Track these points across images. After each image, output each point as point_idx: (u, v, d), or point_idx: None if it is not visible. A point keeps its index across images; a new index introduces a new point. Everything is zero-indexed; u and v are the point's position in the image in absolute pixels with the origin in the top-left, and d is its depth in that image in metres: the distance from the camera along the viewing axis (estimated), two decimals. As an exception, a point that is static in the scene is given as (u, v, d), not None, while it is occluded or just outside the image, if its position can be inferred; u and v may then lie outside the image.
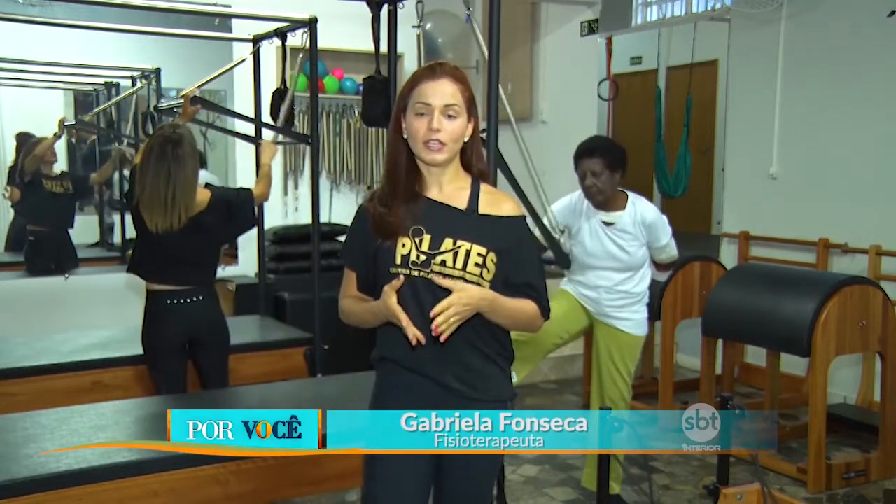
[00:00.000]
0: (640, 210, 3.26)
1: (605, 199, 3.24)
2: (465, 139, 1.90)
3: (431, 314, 1.76)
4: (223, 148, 5.93)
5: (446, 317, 1.76)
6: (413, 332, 1.78)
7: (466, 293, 1.78)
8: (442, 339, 1.77)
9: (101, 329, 4.16)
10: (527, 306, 1.91)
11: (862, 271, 4.33)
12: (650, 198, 6.04)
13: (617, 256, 3.26)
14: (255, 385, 3.47)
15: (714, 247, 5.44)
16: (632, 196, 3.30)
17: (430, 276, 1.83)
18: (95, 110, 5.74)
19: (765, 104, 5.00)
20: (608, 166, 3.19)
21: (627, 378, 3.39)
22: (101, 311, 4.95)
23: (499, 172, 2.87)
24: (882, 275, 4.33)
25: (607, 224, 3.26)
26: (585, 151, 3.25)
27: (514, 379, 2.10)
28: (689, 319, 4.57)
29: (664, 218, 3.32)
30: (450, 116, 1.84)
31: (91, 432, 2.56)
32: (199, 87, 3.86)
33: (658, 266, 3.43)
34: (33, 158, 5.17)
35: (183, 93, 3.74)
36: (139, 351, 3.62)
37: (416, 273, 1.84)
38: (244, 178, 5.34)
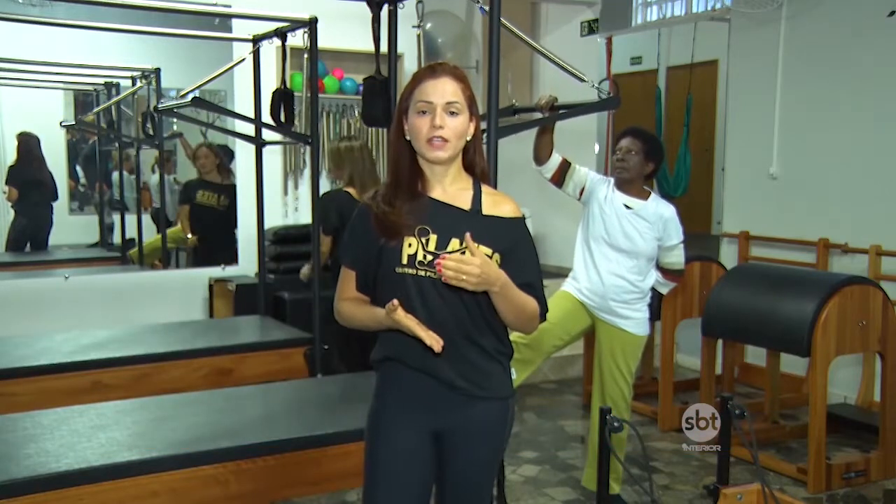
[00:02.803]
0: (661, 206, 3.37)
1: (629, 179, 3.35)
2: (468, 138, 1.90)
3: (447, 256, 1.73)
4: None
5: (455, 270, 1.72)
6: (431, 339, 1.77)
7: (486, 265, 1.75)
8: (443, 277, 1.73)
9: (101, 329, 4.16)
10: (530, 301, 1.91)
11: (862, 271, 4.32)
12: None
13: (631, 237, 3.31)
14: (255, 385, 3.47)
15: (714, 247, 5.44)
16: (654, 195, 3.42)
17: (436, 276, 1.81)
18: (95, 110, 5.74)
19: (765, 104, 5.00)
20: (644, 151, 3.34)
21: (629, 377, 3.39)
22: (101, 311, 4.94)
23: (499, 174, 2.86)
24: (882, 275, 4.33)
25: (628, 208, 3.34)
26: (630, 131, 3.43)
27: (514, 377, 2.10)
28: (689, 319, 4.57)
29: (679, 223, 3.39)
30: (452, 114, 1.85)
31: (91, 432, 2.57)
32: (197, 87, 3.87)
33: (664, 273, 3.43)
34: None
35: None
36: (139, 351, 3.64)
37: (422, 273, 1.84)
38: (244, 177, 5.34)
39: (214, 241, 5.64)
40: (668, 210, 3.36)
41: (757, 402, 4.61)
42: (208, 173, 5.59)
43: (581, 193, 3.43)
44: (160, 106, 4.33)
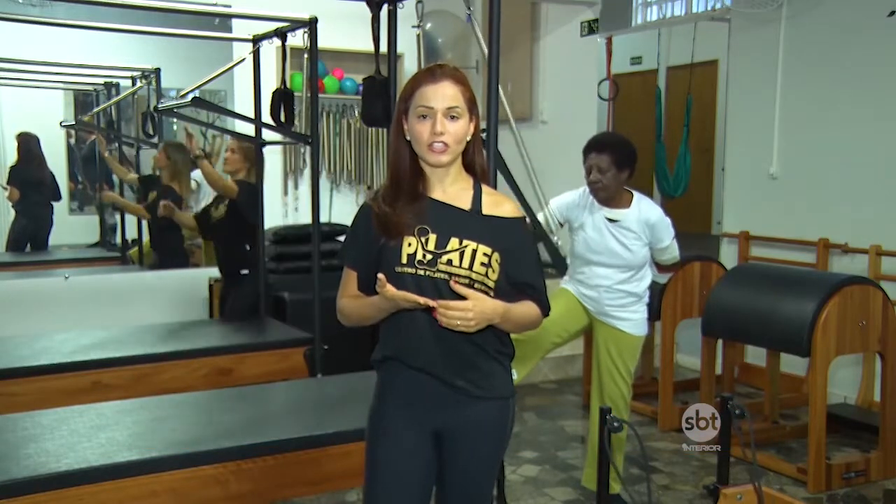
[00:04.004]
0: (645, 209, 3.26)
1: (608, 196, 3.24)
2: (468, 139, 1.91)
3: (440, 303, 1.76)
4: (223, 146, 5.93)
5: (449, 317, 1.75)
6: (425, 300, 1.77)
7: (481, 305, 1.78)
8: (440, 322, 1.77)
9: (101, 329, 4.16)
10: (531, 309, 1.93)
11: (862, 271, 4.32)
12: (650, 198, 6.04)
13: (619, 253, 3.26)
14: (256, 385, 3.47)
15: (714, 247, 5.44)
16: (637, 195, 3.30)
17: (436, 275, 1.83)
18: (95, 110, 5.74)
19: (765, 104, 5.00)
20: (615, 163, 3.18)
21: (627, 377, 3.38)
22: (101, 311, 4.95)
23: (499, 173, 2.86)
24: (882, 275, 4.33)
25: (611, 221, 3.26)
26: (595, 146, 3.24)
27: (514, 377, 2.10)
28: (689, 319, 4.57)
29: (668, 219, 3.33)
30: (452, 118, 1.85)
31: (91, 432, 2.57)
32: (197, 87, 3.88)
33: (660, 267, 3.43)
34: None
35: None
36: (139, 351, 3.64)
37: (422, 272, 1.84)
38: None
39: (155, 245, 5.51)
40: (653, 213, 3.26)
41: (757, 402, 4.61)
42: (159, 170, 5.37)
43: (562, 224, 3.40)
44: (160, 106, 4.33)
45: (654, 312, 4.19)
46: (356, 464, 2.34)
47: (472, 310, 1.76)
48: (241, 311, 4.57)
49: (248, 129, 4.54)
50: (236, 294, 4.65)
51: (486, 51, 4.07)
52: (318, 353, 3.86)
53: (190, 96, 3.89)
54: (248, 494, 2.48)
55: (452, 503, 2.00)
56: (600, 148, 3.21)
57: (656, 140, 5.75)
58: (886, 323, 3.67)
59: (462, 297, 1.78)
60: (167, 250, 5.48)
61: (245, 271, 4.66)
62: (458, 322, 1.76)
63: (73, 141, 5.60)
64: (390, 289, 1.77)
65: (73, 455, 2.36)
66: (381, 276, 1.78)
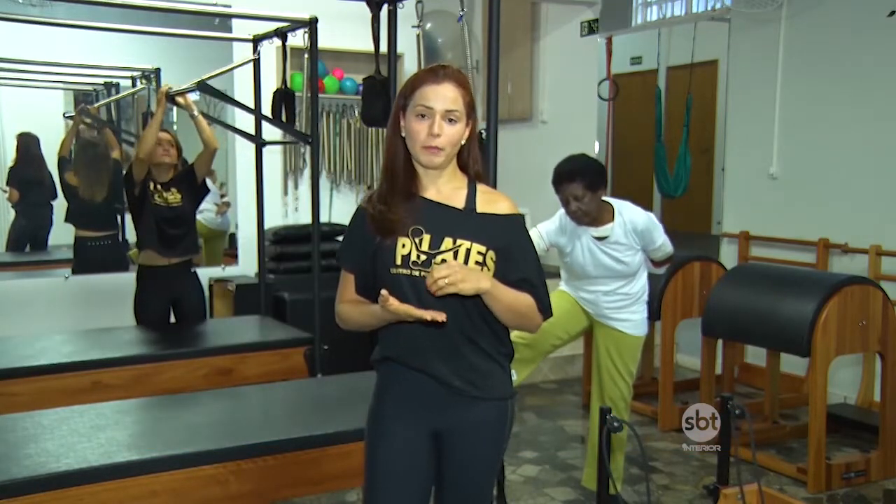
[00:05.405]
0: (629, 218, 3.23)
1: (591, 220, 3.22)
2: (463, 142, 1.90)
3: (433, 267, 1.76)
4: (223, 147, 5.92)
5: (438, 273, 1.74)
6: (430, 314, 1.76)
7: (460, 265, 1.79)
8: (436, 293, 1.76)
9: (101, 329, 4.16)
10: (525, 297, 1.89)
11: (862, 271, 4.33)
12: (650, 198, 6.06)
13: (613, 268, 3.26)
14: (255, 385, 3.47)
15: (714, 247, 5.44)
16: (617, 205, 3.26)
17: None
18: (95, 105, 5.73)
19: (765, 104, 5.01)
20: (589, 187, 3.12)
21: (628, 378, 3.39)
22: (101, 311, 4.94)
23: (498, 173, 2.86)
24: (882, 275, 4.33)
25: (600, 239, 3.24)
26: (565, 176, 3.17)
27: (514, 378, 2.10)
28: (689, 319, 4.57)
29: (654, 218, 3.30)
30: (450, 121, 1.84)
31: (91, 432, 2.56)
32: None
33: (654, 263, 3.43)
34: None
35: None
36: (139, 351, 3.64)
37: (416, 273, 1.84)
38: (244, 176, 5.34)
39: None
40: (638, 219, 3.24)
41: (757, 402, 4.61)
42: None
43: (548, 249, 3.39)
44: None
45: (654, 312, 4.20)
46: (356, 464, 2.34)
47: (453, 264, 1.76)
48: (198, 315, 4.32)
49: (249, 128, 4.54)
50: (195, 295, 4.35)
51: (469, 55, 4.08)
52: (318, 353, 3.86)
53: (192, 96, 3.88)
54: (248, 494, 2.48)
55: (452, 503, 2.00)
56: (570, 177, 3.15)
57: (656, 140, 5.75)
58: (886, 323, 3.67)
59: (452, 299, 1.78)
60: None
61: (194, 269, 4.35)
62: (447, 278, 1.72)
63: (72, 141, 5.58)
64: (393, 303, 1.77)
65: (73, 455, 2.36)
66: (384, 292, 1.77)
